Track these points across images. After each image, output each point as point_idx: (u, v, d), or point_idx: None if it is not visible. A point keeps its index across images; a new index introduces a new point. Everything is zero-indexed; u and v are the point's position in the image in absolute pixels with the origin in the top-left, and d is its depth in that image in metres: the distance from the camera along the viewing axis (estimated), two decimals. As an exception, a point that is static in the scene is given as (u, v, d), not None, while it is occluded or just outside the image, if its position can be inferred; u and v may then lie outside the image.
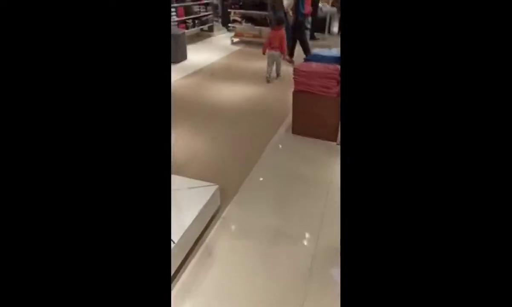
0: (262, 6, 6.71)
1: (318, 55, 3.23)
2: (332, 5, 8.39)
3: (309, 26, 7.24)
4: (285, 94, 3.91)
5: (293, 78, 2.89)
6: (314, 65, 2.86)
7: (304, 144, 2.87)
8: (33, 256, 0.63)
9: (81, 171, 0.66)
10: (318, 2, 7.30)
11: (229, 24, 7.48)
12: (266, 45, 4.51)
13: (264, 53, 4.57)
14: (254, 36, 6.95)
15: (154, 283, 0.69)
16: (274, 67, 4.62)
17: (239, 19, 7.11)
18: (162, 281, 0.71)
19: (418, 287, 0.63)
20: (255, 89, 4.33)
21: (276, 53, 4.47)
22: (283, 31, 4.55)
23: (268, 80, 4.52)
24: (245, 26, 7.07)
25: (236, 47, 6.95)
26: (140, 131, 0.69)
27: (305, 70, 2.82)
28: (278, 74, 4.66)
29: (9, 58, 0.62)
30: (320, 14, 7.65)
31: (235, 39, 7.30)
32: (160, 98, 0.71)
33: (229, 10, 7.42)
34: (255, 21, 6.76)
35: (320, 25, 7.68)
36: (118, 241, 0.67)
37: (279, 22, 4.57)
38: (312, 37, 7.49)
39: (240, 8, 6.98)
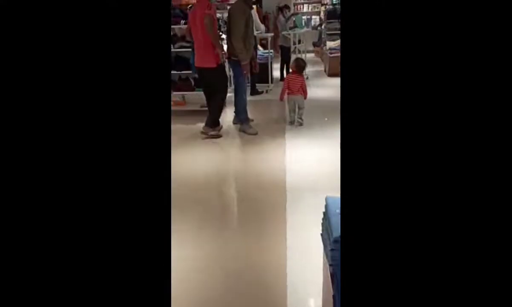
0: (183, 63, 4.98)
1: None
2: (273, 47, 6.88)
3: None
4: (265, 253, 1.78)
5: None
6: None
7: None
8: (32, 257, 0.64)
9: (80, 171, 0.66)
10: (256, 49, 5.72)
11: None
12: (284, 90, 4.32)
13: (281, 100, 4.49)
14: (177, 104, 5.20)
15: (154, 284, 0.70)
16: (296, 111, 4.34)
17: (153, 84, 5.30)
18: (162, 281, 0.72)
19: (418, 289, 0.66)
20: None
21: (298, 96, 4.23)
22: (303, 77, 4.43)
23: (293, 122, 4.33)
24: (163, 93, 5.29)
25: (154, 122, 5.16)
26: (139, 132, 0.70)
27: None
28: (300, 121, 4.29)
29: (8, 57, 0.63)
30: (259, 60, 6.08)
31: (154, 108, 5.50)
32: (159, 98, 0.72)
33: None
34: (174, 86, 4.99)
35: (263, 74, 6.10)
36: (117, 241, 0.68)
37: (299, 68, 4.40)
38: (254, 92, 5.90)
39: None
